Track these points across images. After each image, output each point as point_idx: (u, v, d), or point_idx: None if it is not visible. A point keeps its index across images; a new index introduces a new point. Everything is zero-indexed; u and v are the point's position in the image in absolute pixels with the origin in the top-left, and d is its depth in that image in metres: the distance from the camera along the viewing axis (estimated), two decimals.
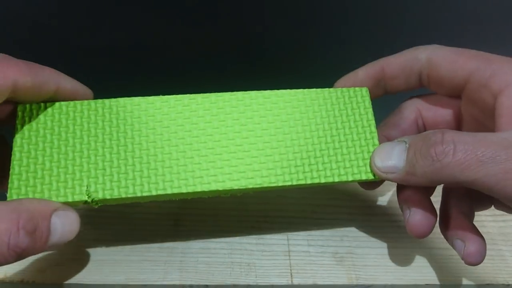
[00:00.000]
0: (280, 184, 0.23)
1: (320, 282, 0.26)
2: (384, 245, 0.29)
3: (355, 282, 0.27)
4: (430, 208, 0.23)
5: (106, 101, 0.23)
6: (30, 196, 0.21)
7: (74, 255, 0.26)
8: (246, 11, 0.35)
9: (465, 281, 0.27)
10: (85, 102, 0.23)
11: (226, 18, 0.35)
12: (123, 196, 0.21)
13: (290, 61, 0.39)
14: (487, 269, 0.28)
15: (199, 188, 0.22)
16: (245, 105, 0.24)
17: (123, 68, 0.38)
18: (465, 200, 0.24)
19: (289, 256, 0.28)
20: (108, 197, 0.21)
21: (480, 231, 0.23)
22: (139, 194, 0.22)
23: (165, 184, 0.22)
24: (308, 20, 0.36)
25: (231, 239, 0.28)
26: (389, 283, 0.27)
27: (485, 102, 0.22)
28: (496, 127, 0.21)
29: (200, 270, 0.26)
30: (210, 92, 0.24)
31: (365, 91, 0.25)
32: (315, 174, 0.23)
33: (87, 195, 0.21)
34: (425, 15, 0.36)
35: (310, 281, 0.26)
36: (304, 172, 0.23)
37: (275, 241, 0.29)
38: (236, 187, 0.22)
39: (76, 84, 0.23)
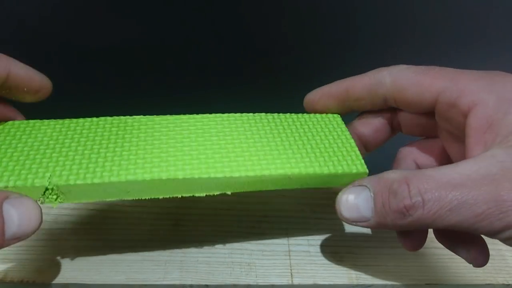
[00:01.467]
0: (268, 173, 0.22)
1: (320, 282, 0.26)
2: (384, 245, 0.29)
3: (355, 282, 0.27)
4: None
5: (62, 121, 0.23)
6: None
7: (74, 255, 0.26)
8: (245, 13, 0.35)
9: (465, 281, 0.27)
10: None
11: (225, 20, 0.35)
12: (89, 182, 0.20)
13: (290, 63, 0.39)
14: (487, 269, 0.28)
15: (182, 175, 0.21)
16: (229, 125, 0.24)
17: (119, 71, 0.38)
18: None
19: (289, 256, 0.28)
20: (71, 182, 0.20)
21: None
22: (107, 180, 0.20)
23: (136, 171, 0.21)
24: (308, 23, 0.36)
25: (231, 239, 0.28)
26: (389, 283, 0.27)
27: (457, 121, 0.22)
28: (466, 147, 0.21)
29: (200, 270, 0.26)
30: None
31: (338, 117, 0.26)
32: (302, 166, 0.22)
33: (48, 181, 0.20)
34: (426, 18, 0.36)
35: (310, 281, 0.26)
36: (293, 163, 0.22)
37: (275, 241, 0.29)
38: (229, 175, 0.21)
39: (30, 70, 0.22)
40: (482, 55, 0.39)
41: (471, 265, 0.22)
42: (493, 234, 0.18)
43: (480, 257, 0.22)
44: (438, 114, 0.23)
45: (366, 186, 0.20)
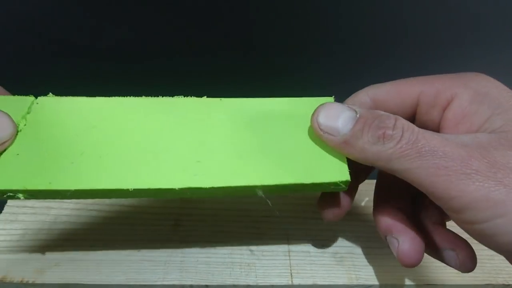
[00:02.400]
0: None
1: (320, 282, 0.26)
2: (384, 245, 0.29)
3: (355, 282, 0.27)
4: (417, 232, 0.22)
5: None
6: None
7: (74, 255, 0.26)
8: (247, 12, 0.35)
9: (465, 281, 0.27)
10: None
11: (226, 19, 0.35)
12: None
13: (292, 64, 0.39)
14: (487, 269, 0.28)
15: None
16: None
17: (120, 69, 0.38)
18: (405, 194, 0.24)
19: (289, 256, 0.28)
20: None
21: None
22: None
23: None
24: (307, 22, 0.36)
25: (231, 239, 0.28)
26: (389, 283, 0.27)
27: (437, 121, 0.22)
28: None
29: (200, 270, 0.26)
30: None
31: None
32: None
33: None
34: (426, 18, 0.36)
35: (310, 281, 0.26)
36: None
37: (275, 241, 0.29)
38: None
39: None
40: (482, 56, 0.39)
41: (460, 271, 0.22)
42: (445, 199, 0.18)
43: (468, 261, 0.22)
44: (418, 120, 0.23)
45: (355, 110, 0.21)
